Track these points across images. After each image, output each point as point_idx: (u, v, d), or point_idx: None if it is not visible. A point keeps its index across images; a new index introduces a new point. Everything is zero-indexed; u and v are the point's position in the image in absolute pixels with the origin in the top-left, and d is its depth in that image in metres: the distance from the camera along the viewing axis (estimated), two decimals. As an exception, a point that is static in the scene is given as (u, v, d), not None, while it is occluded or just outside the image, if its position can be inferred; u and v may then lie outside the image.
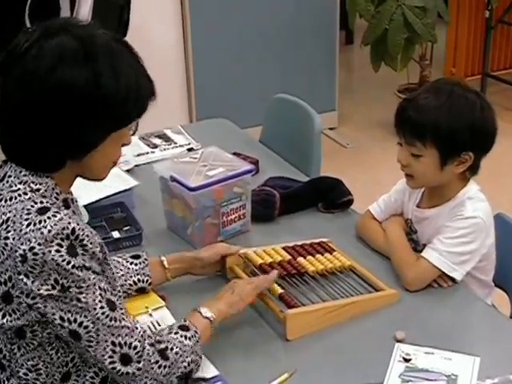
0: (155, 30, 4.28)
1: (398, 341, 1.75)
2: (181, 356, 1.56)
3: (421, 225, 2.09)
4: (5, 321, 1.45)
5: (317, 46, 4.89)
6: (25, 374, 1.51)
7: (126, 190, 2.36)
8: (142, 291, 1.89)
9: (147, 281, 1.89)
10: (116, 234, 2.21)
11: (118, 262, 1.87)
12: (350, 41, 6.80)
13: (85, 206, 2.16)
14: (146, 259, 1.90)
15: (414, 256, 1.99)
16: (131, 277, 1.87)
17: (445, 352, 1.70)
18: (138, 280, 1.87)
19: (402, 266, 1.99)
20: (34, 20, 3.57)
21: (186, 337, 1.59)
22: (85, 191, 2.20)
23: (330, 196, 2.37)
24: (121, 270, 1.85)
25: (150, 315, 1.84)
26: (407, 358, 1.69)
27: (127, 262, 1.88)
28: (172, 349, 1.55)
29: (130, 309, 1.75)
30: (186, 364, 1.57)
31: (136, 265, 1.88)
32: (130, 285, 1.86)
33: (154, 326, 1.81)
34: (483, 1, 5.31)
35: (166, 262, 1.93)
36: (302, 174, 2.61)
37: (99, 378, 1.58)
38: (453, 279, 1.96)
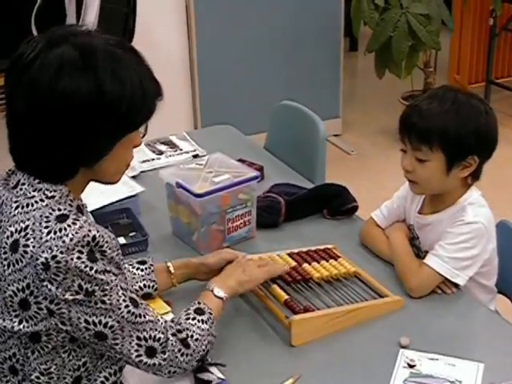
0: (160, 37, 4.30)
1: (403, 347, 1.76)
2: (200, 341, 1.62)
3: (422, 231, 2.10)
4: (21, 327, 1.46)
5: (321, 52, 4.91)
6: (37, 377, 1.52)
7: (131, 196, 2.37)
8: (147, 297, 1.90)
9: (153, 286, 1.90)
10: (122, 240, 2.21)
11: (124, 267, 1.88)
12: (355, 48, 6.81)
13: (91, 212, 2.17)
14: (151, 265, 1.91)
15: (417, 263, 2.00)
16: (137, 282, 1.88)
17: (449, 358, 1.71)
18: (144, 286, 1.89)
19: (405, 273, 1.99)
20: (40, 27, 3.60)
21: (202, 321, 1.65)
22: (91, 197, 2.22)
23: (335, 203, 2.38)
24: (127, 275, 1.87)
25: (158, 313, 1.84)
26: (411, 363, 1.70)
27: (133, 267, 1.90)
28: (192, 336, 1.61)
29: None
30: (204, 347, 1.63)
31: (142, 270, 1.90)
32: (136, 290, 1.87)
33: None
34: (487, 8, 5.33)
35: (171, 268, 1.94)
36: (307, 181, 2.62)
37: (109, 383, 1.59)
38: (456, 285, 1.97)
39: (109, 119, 1.44)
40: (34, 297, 1.43)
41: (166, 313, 1.88)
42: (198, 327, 1.63)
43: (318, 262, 2.04)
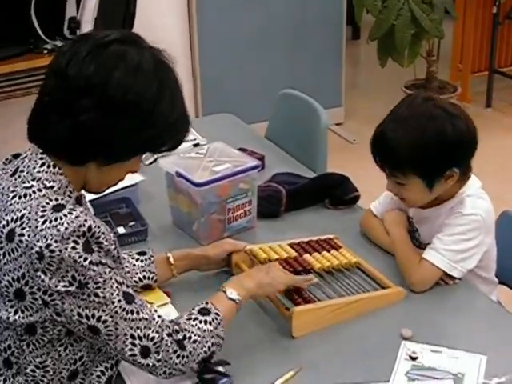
0: (161, 25, 4.27)
1: (405, 339, 1.74)
2: (199, 343, 1.55)
3: (421, 224, 2.08)
4: (17, 317, 1.45)
5: (323, 41, 4.88)
6: (32, 370, 1.51)
7: (131, 186, 2.35)
8: (147, 288, 1.89)
9: (153, 278, 1.88)
10: (121, 230, 2.20)
11: (124, 258, 1.86)
12: (357, 36, 6.79)
13: (90, 202, 2.15)
14: (151, 256, 1.90)
15: (418, 257, 1.96)
16: (137, 274, 1.86)
17: (451, 350, 1.70)
18: (144, 277, 1.87)
19: (406, 268, 1.96)
20: (39, 14, 3.57)
21: (205, 322, 1.58)
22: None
23: (337, 192, 2.36)
24: (126, 266, 1.85)
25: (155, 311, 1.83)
26: (413, 356, 1.68)
27: (133, 258, 1.88)
28: (190, 338, 1.54)
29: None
30: (206, 349, 1.57)
31: (142, 261, 1.88)
32: (136, 282, 1.86)
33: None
34: (491, -4, 5.30)
35: (172, 259, 1.92)
36: (309, 170, 2.61)
37: (105, 377, 1.58)
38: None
39: (147, 132, 1.47)
40: (29, 287, 1.42)
41: (165, 304, 1.87)
42: (198, 328, 1.56)
43: (319, 253, 2.03)
